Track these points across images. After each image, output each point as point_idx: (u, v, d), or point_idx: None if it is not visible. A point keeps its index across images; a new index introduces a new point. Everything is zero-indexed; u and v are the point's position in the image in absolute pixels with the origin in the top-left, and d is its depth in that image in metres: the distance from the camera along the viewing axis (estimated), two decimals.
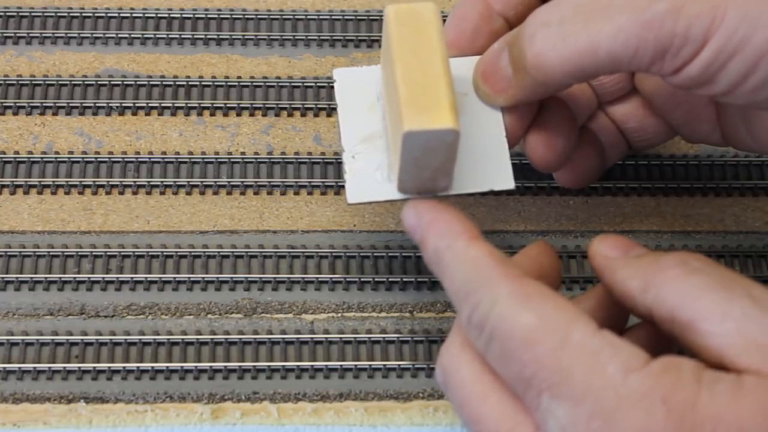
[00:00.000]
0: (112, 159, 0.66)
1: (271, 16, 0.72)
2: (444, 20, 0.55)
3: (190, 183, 0.66)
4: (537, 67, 0.50)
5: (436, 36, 0.51)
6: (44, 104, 0.68)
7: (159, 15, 0.72)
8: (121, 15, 0.72)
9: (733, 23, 0.47)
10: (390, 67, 0.52)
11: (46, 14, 0.72)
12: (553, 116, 0.56)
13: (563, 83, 0.52)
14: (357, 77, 0.57)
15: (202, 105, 0.69)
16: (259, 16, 0.72)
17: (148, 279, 0.63)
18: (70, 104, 0.68)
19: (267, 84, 0.70)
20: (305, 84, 0.70)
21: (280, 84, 0.70)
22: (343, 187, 0.66)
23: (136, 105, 0.68)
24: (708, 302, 0.45)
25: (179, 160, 0.67)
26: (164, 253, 0.63)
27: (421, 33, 0.51)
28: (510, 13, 0.56)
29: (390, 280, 0.63)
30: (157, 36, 0.71)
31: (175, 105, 0.69)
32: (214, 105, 0.69)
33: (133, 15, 0.72)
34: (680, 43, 0.48)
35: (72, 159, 0.66)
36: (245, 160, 0.67)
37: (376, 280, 0.63)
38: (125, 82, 0.69)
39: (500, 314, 0.46)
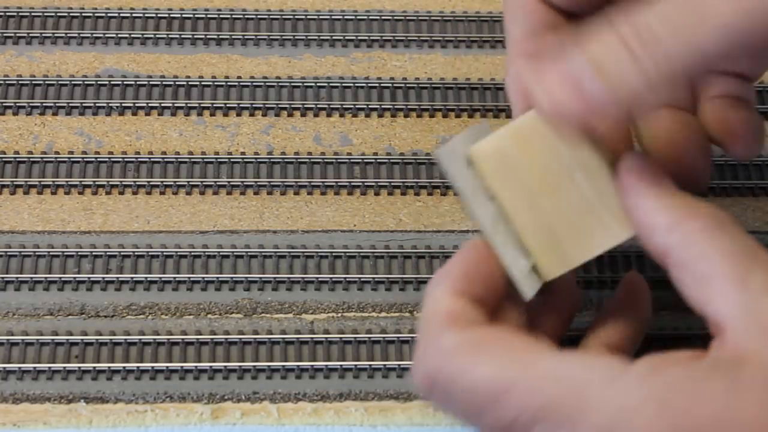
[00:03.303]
0: (112, 159, 0.66)
1: (271, 16, 0.72)
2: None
3: (190, 183, 0.66)
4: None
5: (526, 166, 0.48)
6: (44, 104, 0.68)
7: (159, 15, 0.72)
8: (121, 15, 0.72)
9: None
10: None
11: (46, 14, 0.72)
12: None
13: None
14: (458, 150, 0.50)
15: (202, 105, 0.69)
16: (259, 16, 0.72)
17: (148, 279, 0.63)
18: (70, 104, 0.68)
19: (267, 84, 0.70)
20: (305, 84, 0.70)
21: (280, 84, 0.70)
22: (343, 186, 0.66)
23: (136, 105, 0.68)
24: (732, 265, 0.43)
25: (179, 160, 0.67)
26: (164, 253, 0.63)
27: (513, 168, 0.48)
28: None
29: (390, 280, 0.63)
30: (157, 36, 0.71)
31: (175, 105, 0.69)
32: (214, 105, 0.69)
33: (133, 15, 0.72)
34: None
35: (72, 159, 0.66)
36: (245, 160, 0.67)
37: (376, 280, 0.63)
38: (125, 82, 0.69)
39: (455, 374, 0.44)
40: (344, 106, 0.69)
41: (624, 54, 0.42)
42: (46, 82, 0.69)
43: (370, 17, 0.72)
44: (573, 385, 0.42)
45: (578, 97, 0.43)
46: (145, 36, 0.71)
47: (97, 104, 0.68)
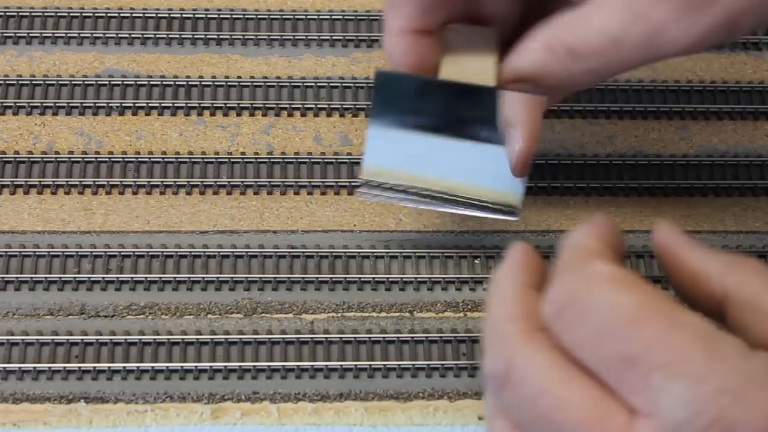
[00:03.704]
0: (112, 159, 0.66)
1: (271, 16, 0.72)
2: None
3: (190, 183, 0.66)
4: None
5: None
6: (44, 104, 0.68)
7: (159, 15, 0.72)
8: (121, 15, 0.72)
9: None
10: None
11: (46, 14, 0.72)
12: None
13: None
14: None
15: (202, 105, 0.69)
16: (259, 16, 0.72)
17: (148, 279, 0.63)
18: (70, 104, 0.68)
19: (267, 84, 0.70)
20: (305, 84, 0.70)
21: (280, 84, 0.70)
22: (343, 186, 0.66)
23: (136, 105, 0.68)
24: None
25: (179, 160, 0.67)
26: (164, 253, 0.63)
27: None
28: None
29: (390, 280, 0.63)
30: (157, 36, 0.71)
31: (175, 105, 0.69)
32: (214, 105, 0.69)
33: (133, 15, 0.72)
34: None
35: (72, 159, 0.66)
36: (245, 160, 0.67)
37: (376, 280, 0.63)
38: (125, 82, 0.69)
39: (598, 294, 0.44)
40: (344, 106, 0.69)
41: (557, 66, 0.55)
42: (46, 82, 0.69)
43: (370, 17, 0.72)
44: (711, 343, 0.43)
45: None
46: (145, 36, 0.71)
47: (97, 104, 0.68)
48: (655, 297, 0.44)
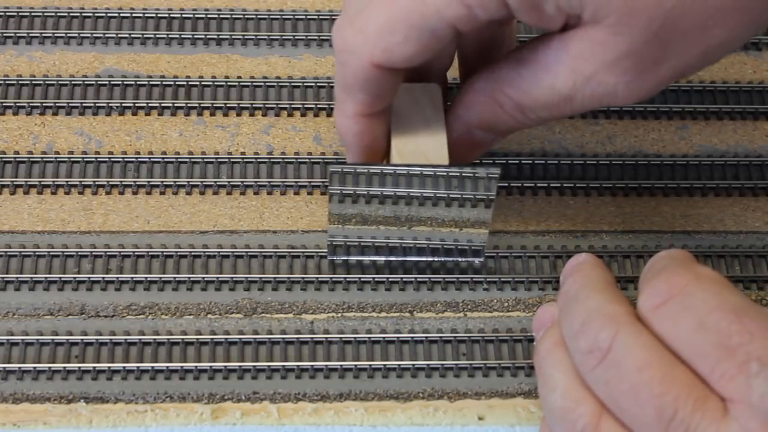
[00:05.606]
0: (112, 159, 0.66)
1: (271, 16, 0.73)
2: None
3: (190, 183, 0.66)
4: None
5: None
6: (44, 104, 0.68)
7: (159, 15, 0.72)
8: (121, 15, 0.72)
9: None
10: None
11: (46, 14, 0.72)
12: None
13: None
14: None
15: (202, 105, 0.69)
16: (259, 16, 0.73)
17: (148, 279, 0.63)
18: (70, 104, 0.68)
19: (267, 84, 0.70)
20: (305, 84, 0.70)
21: (280, 84, 0.70)
22: None
23: (136, 105, 0.68)
24: None
25: (179, 160, 0.67)
26: (164, 253, 0.63)
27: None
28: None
29: (390, 280, 0.63)
30: (157, 36, 0.71)
31: (175, 105, 0.69)
32: (214, 105, 0.69)
33: (133, 15, 0.72)
34: None
35: (72, 159, 0.66)
36: (245, 160, 0.67)
37: (376, 280, 0.63)
38: (125, 82, 0.69)
39: (707, 290, 0.49)
40: None
41: (506, 118, 0.58)
42: (46, 82, 0.69)
43: None
44: None
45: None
46: (145, 36, 0.71)
47: (97, 104, 0.68)
48: (750, 300, 0.49)
